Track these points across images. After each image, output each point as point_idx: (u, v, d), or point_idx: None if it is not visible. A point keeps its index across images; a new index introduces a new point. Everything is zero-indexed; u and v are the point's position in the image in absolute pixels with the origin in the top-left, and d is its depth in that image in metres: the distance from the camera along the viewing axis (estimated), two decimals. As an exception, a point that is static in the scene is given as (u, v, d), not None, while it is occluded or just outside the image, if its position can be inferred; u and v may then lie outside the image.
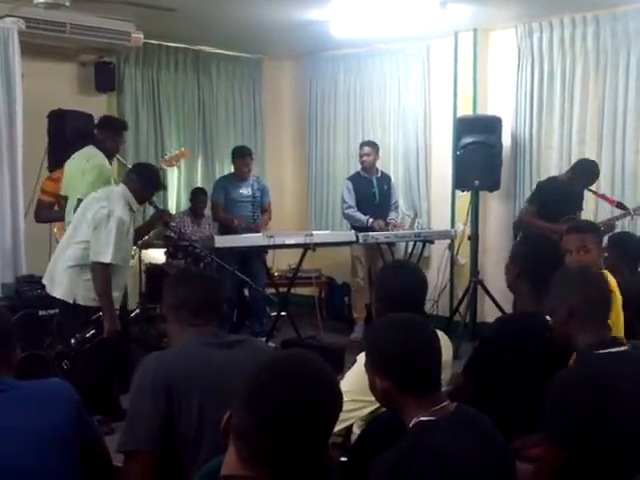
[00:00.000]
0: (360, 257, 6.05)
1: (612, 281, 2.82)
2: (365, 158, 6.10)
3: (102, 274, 3.73)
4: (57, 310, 4.15)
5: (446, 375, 2.39)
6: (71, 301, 3.79)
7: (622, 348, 2.03)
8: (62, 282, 3.83)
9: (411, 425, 1.61)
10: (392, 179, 6.32)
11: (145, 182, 3.93)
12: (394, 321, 1.79)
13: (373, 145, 6.18)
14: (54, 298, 3.93)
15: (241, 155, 6.08)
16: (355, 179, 6.20)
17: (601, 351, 1.98)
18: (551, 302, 2.15)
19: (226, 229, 6.02)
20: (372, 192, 6.11)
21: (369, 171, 6.14)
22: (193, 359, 1.92)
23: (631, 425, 1.86)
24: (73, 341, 3.71)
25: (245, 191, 6.07)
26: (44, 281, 4.00)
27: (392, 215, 6.15)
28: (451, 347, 2.52)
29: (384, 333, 1.74)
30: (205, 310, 2.05)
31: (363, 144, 6.22)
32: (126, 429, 1.87)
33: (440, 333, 2.35)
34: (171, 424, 1.84)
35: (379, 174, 6.19)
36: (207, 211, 6.34)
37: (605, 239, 3.73)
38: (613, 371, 1.92)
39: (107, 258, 3.70)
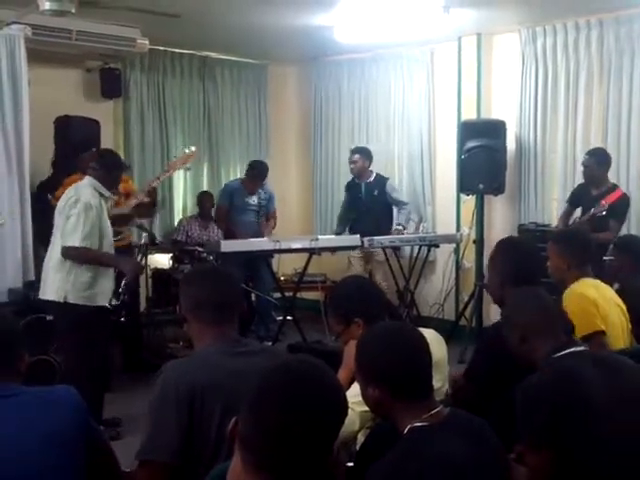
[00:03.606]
0: (354, 256, 6.09)
1: (603, 288, 2.83)
2: (352, 166, 6.14)
3: (76, 254, 3.75)
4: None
5: (441, 374, 2.40)
6: (62, 300, 3.79)
7: (579, 348, 2.08)
8: (53, 281, 3.83)
9: (405, 432, 1.62)
10: (388, 182, 6.20)
11: (106, 167, 3.97)
12: (381, 330, 1.81)
13: (361, 151, 6.16)
14: (46, 304, 3.92)
15: (255, 174, 6.13)
16: (349, 185, 6.30)
17: (559, 354, 2.03)
18: (504, 330, 2.21)
19: (231, 234, 6.07)
20: (359, 197, 6.15)
21: (359, 177, 6.16)
22: (216, 370, 1.88)
23: (602, 420, 1.88)
24: (116, 302, 3.81)
25: (252, 200, 6.15)
26: (40, 292, 3.98)
27: (401, 219, 6.10)
28: (444, 345, 2.53)
29: (372, 343, 1.76)
30: (224, 308, 2.01)
31: (352, 151, 6.22)
32: (147, 438, 1.85)
33: (430, 331, 2.38)
34: (191, 435, 1.82)
35: (371, 179, 6.16)
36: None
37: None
38: (574, 368, 1.97)
39: (75, 242, 3.72)
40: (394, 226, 6.04)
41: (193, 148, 5.18)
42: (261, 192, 6.18)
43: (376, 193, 6.12)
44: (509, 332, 2.18)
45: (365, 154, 6.16)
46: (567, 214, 5.17)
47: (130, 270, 3.88)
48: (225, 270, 2.39)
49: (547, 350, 2.07)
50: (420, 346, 1.72)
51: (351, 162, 6.14)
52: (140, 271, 3.96)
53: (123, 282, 3.85)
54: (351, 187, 6.25)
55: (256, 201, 6.14)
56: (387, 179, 6.26)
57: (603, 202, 4.59)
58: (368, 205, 6.10)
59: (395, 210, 6.21)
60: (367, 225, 5.89)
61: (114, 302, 3.82)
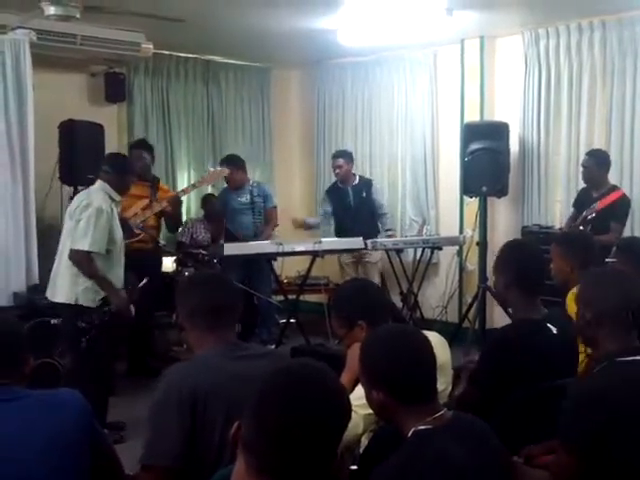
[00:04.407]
0: (345, 259, 6.10)
1: None
2: (338, 171, 6.10)
3: (82, 260, 3.77)
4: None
5: (445, 377, 2.39)
6: (73, 302, 3.81)
7: None
8: (63, 285, 3.86)
9: (409, 435, 1.62)
10: (374, 184, 6.22)
11: (118, 171, 3.99)
12: (384, 333, 1.81)
13: (344, 155, 6.15)
14: (57, 306, 3.95)
15: (223, 164, 6.05)
16: (332, 190, 6.26)
17: (626, 358, 1.92)
18: (578, 305, 2.08)
19: (231, 236, 6.08)
20: (348, 202, 6.12)
21: (345, 181, 6.14)
22: (217, 374, 1.88)
23: None
24: (83, 324, 3.70)
25: (243, 199, 6.06)
26: (47, 293, 4.01)
27: (387, 224, 6.11)
28: (448, 347, 2.53)
29: (375, 346, 1.75)
30: (219, 313, 2.01)
31: (335, 156, 6.18)
32: (149, 442, 1.85)
33: (434, 334, 2.37)
34: (194, 438, 1.82)
35: (356, 181, 6.16)
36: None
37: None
38: (637, 379, 1.88)
39: (85, 246, 3.74)
40: (386, 232, 6.04)
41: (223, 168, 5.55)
42: (253, 189, 6.09)
43: (364, 195, 6.11)
44: (584, 308, 2.02)
45: (348, 157, 6.15)
46: (573, 218, 5.16)
47: (117, 305, 3.80)
48: (219, 275, 2.38)
49: (614, 347, 1.93)
50: (424, 349, 1.72)
51: (335, 167, 6.10)
52: (125, 312, 3.86)
53: (107, 308, 3.78)
54: (336, 192, 6.20)
55: (248, 199, 6.05)
56: (371, 180, 6.28)
57: (594, 206, 4.62)
58: (357, 208, 6.10)
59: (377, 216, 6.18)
60: (356, 229, 5.86)
61: (82, 324, 3.70)
